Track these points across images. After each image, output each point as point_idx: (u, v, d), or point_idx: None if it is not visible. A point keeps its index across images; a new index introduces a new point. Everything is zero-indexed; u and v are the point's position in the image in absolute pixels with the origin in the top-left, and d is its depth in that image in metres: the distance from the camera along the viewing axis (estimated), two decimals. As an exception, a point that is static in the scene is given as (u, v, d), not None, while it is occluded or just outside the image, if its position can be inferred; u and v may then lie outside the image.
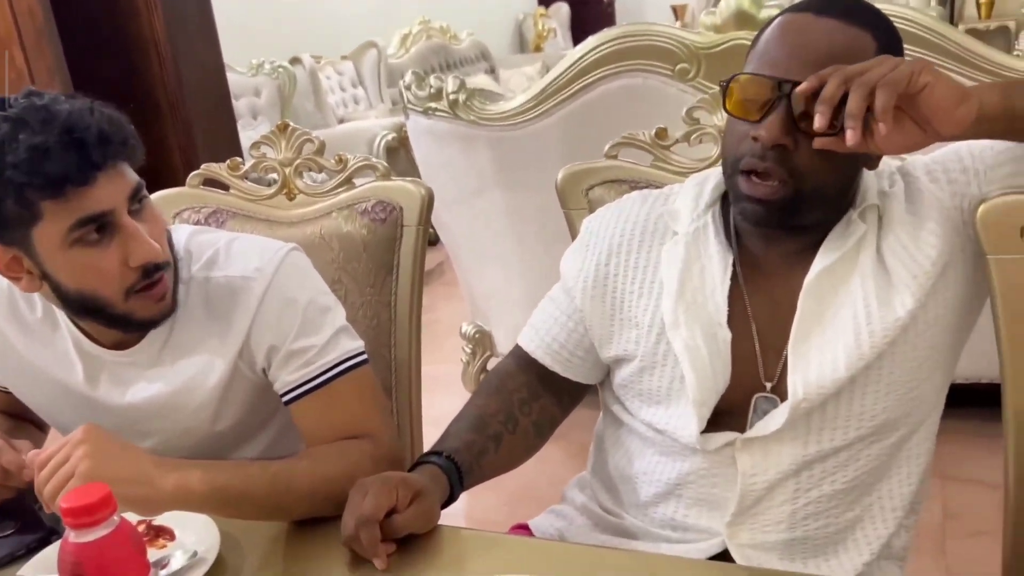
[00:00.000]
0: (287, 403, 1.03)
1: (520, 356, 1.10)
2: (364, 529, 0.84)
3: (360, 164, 1.35)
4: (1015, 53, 2.82)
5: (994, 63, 1.91)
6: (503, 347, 2.78)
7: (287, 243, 1.07)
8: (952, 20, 6.19)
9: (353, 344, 1.05)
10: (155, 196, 1.39)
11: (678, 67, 2.12)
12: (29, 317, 1.06)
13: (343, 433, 1.01)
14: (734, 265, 0.97)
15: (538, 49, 7.82)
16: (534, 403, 1.09)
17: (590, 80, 2.20)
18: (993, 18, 6.20)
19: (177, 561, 0.88)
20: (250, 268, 1.02)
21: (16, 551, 0.97)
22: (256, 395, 1.07)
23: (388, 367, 1.33)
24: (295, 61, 5.12)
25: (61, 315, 1.04)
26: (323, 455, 0.99)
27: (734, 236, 0.98)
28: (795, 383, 0.92)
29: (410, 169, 3.29)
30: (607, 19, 8.03)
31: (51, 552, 0.91)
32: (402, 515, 0.87)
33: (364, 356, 1.06)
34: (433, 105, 2.41)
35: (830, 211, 0.93)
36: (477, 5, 7.48)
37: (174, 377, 1.04)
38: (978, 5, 6.27)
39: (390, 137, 4.58)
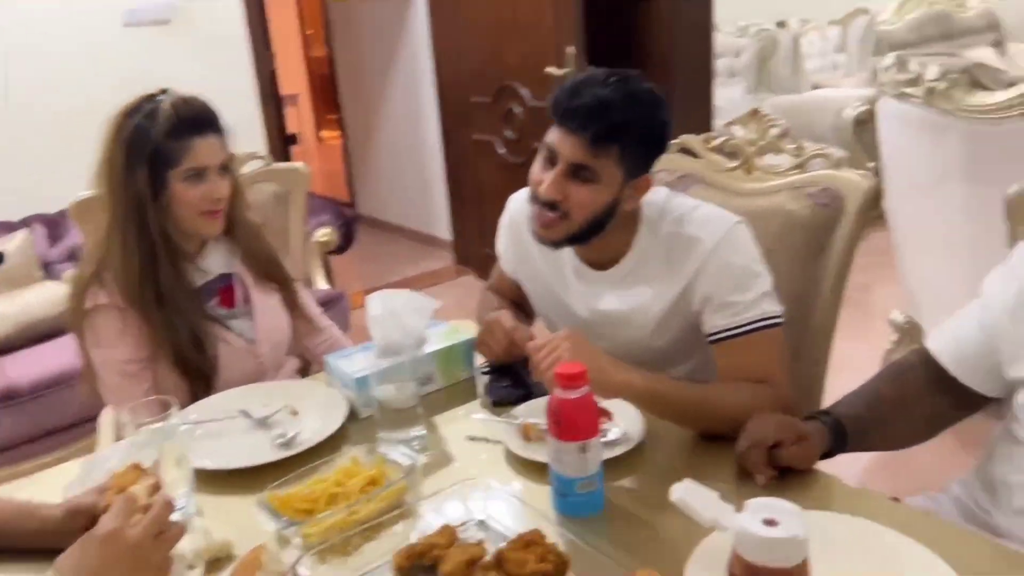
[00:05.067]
0: (711, 342, 1.29)
1: (926, 355, 1.21)
2: (754, 450, 1.08)
3: (815, 152, 1.52)
4: None
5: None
6: (932, 342, 2.71)
7: (736, 216, 1.31)
8: None
9: (773, 308, 1.26)
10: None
11: None
12: None
13: (750, 376, 1.24)
14: None
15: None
16: (928, 400, 1.20)
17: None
18: None
19: (612, 434, 1.21)
20: (704, 231, 1.29)
21: (506, 398, 1.39)
22: (686, 328, 1.34)
23: (803, 333, 1.51)
24: (781, 24, 5.21)
25: None
26: (733, 387, 1.23)
27: None
28: None
29: (874, 145, 3.25)
30: None
31: (534, 404, 1.31)
32: (787, 449, 1.08)
33: (780, 320, 1.27)
34: (908, 90, 2.40)
35: None
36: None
37: (630, 298, 1.36)
38: None
39: (862, 109, 4.47)
